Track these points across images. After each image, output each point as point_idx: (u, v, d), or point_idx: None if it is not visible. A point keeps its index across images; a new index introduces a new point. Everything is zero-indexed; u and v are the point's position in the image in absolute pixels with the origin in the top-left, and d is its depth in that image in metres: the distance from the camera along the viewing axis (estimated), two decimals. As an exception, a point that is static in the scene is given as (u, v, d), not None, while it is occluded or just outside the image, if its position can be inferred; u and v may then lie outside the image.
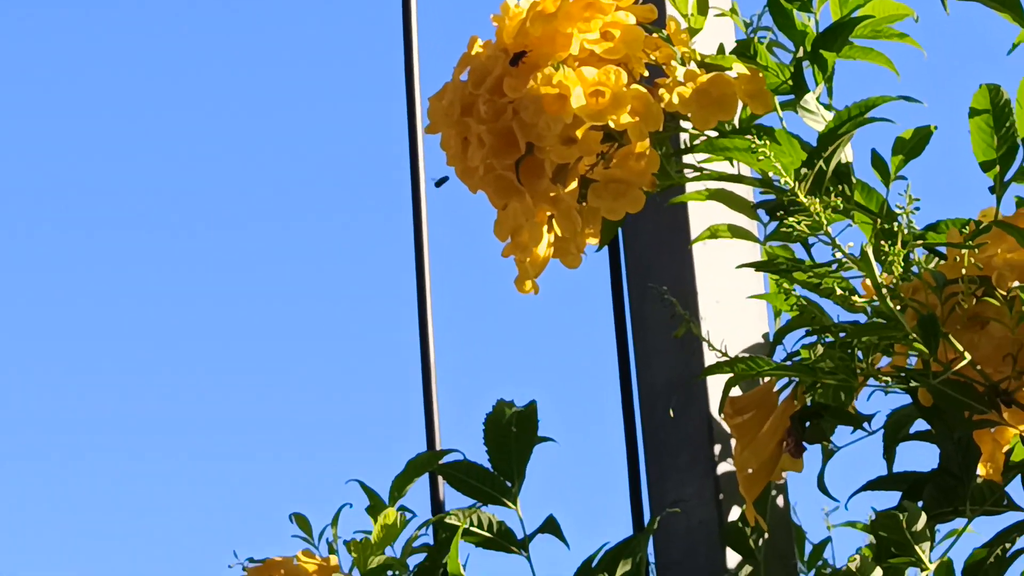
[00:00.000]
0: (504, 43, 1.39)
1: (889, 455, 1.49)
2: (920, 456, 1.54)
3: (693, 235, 1.56)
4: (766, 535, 1.54)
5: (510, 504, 1.56)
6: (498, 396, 1.59)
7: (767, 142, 1.39)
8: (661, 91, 1.39)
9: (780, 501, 1.60)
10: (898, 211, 1.41)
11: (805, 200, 1.33)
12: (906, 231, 1.39)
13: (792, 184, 1.36)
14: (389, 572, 1.55)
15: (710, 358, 1.56)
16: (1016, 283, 1.30)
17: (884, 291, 1.33)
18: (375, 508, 1.53)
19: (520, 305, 1.37)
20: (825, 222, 1.34)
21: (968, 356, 1.32)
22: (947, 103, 1.53)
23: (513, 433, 1.55)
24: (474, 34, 1.44)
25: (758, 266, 1.48)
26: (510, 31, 1.38)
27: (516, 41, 1.38)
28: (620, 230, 1.70)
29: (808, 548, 1.65)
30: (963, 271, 1.37)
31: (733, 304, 1.60)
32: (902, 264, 1.36)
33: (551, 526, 1.55)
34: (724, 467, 1.60)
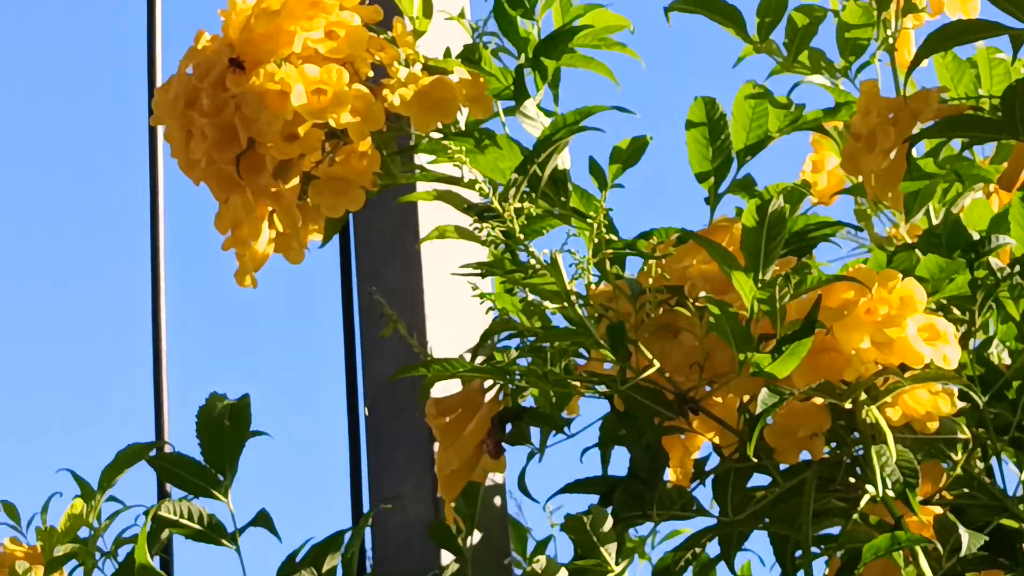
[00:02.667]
0: (230, 38, 1.41)
1: (604, 457, 1.50)
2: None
3: (422, 235, 1.58)
4: (476, 533, 1.56)
5: (221, 497, 1.54)
6: (232, 389, 1.60)
7: (464, 149, 1.40)
8: (384, 92, 1.41)
9: (498, 501, 1.62)
10: (590, 219, 1.43)
11: (499, 206, 1.35)
12: (595, 239, 1.40)
13: (488, 191, 1.37)
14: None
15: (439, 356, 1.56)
16: (703, 294, 1.34)
17: (573, 297, 1.35)
18: (86, 496, 1.52)
19: (253, 299, 1.37)
20: (516, 227, 1.35)
21: (657, 364, 1.35)
22: (674, 113, 1.58)
23: (226, 426, 1.54)
24: (201, 28, 1.46)
25: (474, 266, 1.47)
26: (236, 26, 1.41)
27: (241, 37, 1.41)
28: (352, 228, 1.72)
29: (532, 545, 1.67)
30: (650, 280, 1.39)
31: (461, 304, 1.60)
32: (592, 272, 1.38)
33: (263, 520, 1.55)
34: (446, 464, 1.64)
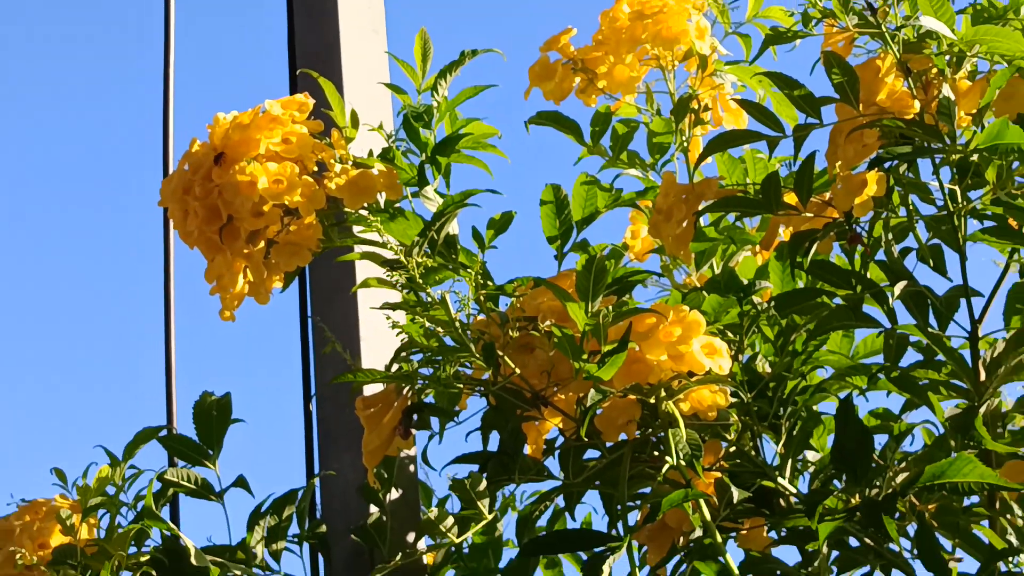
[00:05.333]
0: (214, 143, 1.40)
1: (483, 438, 1.47)
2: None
3: (357, 281, 1.54)
4: (394, 492, 1.56)
5: (210, 466, 1.54)
6: (220, 388, 1.58)
7: (381, 220, 1.41)
8: (325, 181, 1.42)
9: (411, 468, 1.60)
10: (471, 270, 1.43)
11: (405, 261, 1.36)
12: (475, 284, 1.41)
13: (398, 251, 1.38)
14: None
15: (367, 366, 1.56)
16: (550, 322, 1.33)
17: (458, 325, 1.36)
18: (114, 464, 1.49)
19: (237, 326, 1.35)
20: (418, 276, 1.36)
21: (519, 371, 1.35)
22: (533, 193, 1.60)
23: (213, 416, 1.54)
24: (194, 136, 1.44)
25: (390, 305, 1.44)
26: (218, 135, 1.40)
27: (222, 142, 1.39)
28: (307, 277, 1.71)
29: (435, 501, 1.64)
30: (513, 313, 1.39)
31: (382, 330, 1.53)
32: (472, 307, 1.38)
33: (241, 482, 1.54)
34: (371, 446, 1.65)
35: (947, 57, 1.35)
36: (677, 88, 1.57)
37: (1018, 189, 1.35)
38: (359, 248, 1.46)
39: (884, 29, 1.34)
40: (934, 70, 1.35)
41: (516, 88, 1.59)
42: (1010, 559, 1.38)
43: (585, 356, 1.29)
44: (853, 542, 1.38)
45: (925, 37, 1.34)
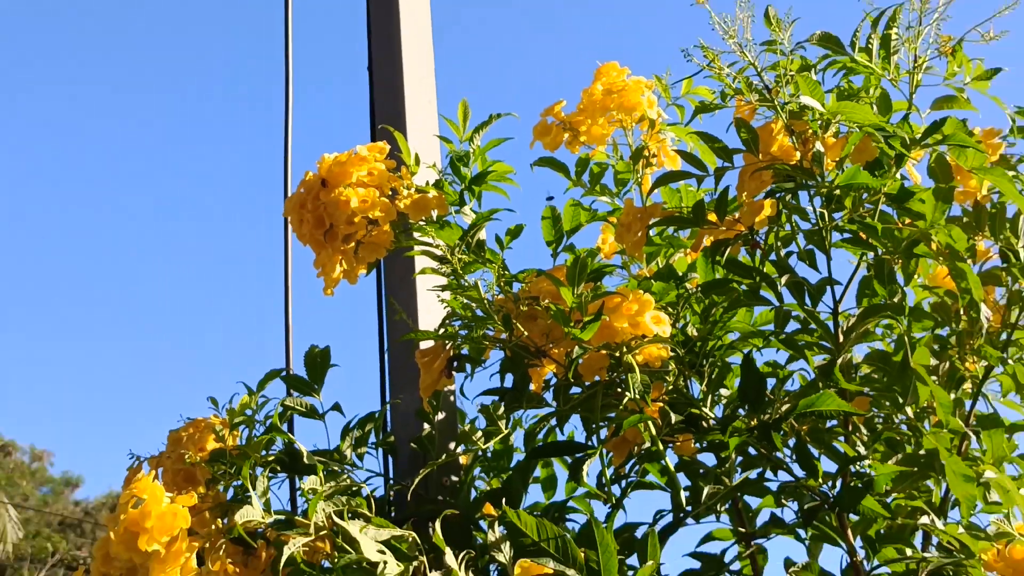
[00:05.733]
0: (321, 174, 1.41)
1: (501, 378, 1.46)
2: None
3: (416, 270, 1.55)
4: (440, 414, 1.57)
5: (316, 396, 1.53)
6: (323, 342, 1.56)
7: (434, 229, 1.42)
8: (396, 201, 1.42)
9: (452, 398, 1.60)
10: (494, 263, 1.43)
11: (449, 256, 1.37)
12: (497, 273, 1.41)
13: (445, 250, 1.39)
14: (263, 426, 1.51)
15: (423, 328, 1.55)
16: (548, 300, 1.34)
17: (485, 302, 1.36)
18: (251, 394, 1.49)
19: (336, 299, 1.34)
20: (459, 268, 1.37)
21: (527, 333, 1.36)
22: (536, 209, 1.58)
23: (318, 362, 1.53)
24: (308, 169, 1.44)
25: (439, 287, 1.45)
26: (324, 168, 1.40)
27: (326, 173, 1.40)
28: (383, 267, 1.70)
29: (468, 421, 1.62)
30: (524, 293, 1.40)
31: (433, 304, 1.56)
32: (495, 288, 1.39)
33: (336, 407, 1.53)
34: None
35: (819, 122, 1.35)
36: (634, 141, 1.56)
37: (865, 212, 1.35)
38: (418, 248, 1.46)
39: (776, 103, 1.34)
40: (810, 131, 1.35)
41: (527, 135, 1.59)
42: (858, 463, 1.38)
43: (572, 324, 1.30)
44: (752, 452, 1.39)
45: (804, 109, 1.34)
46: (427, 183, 1.49)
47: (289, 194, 1.51)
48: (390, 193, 1.43)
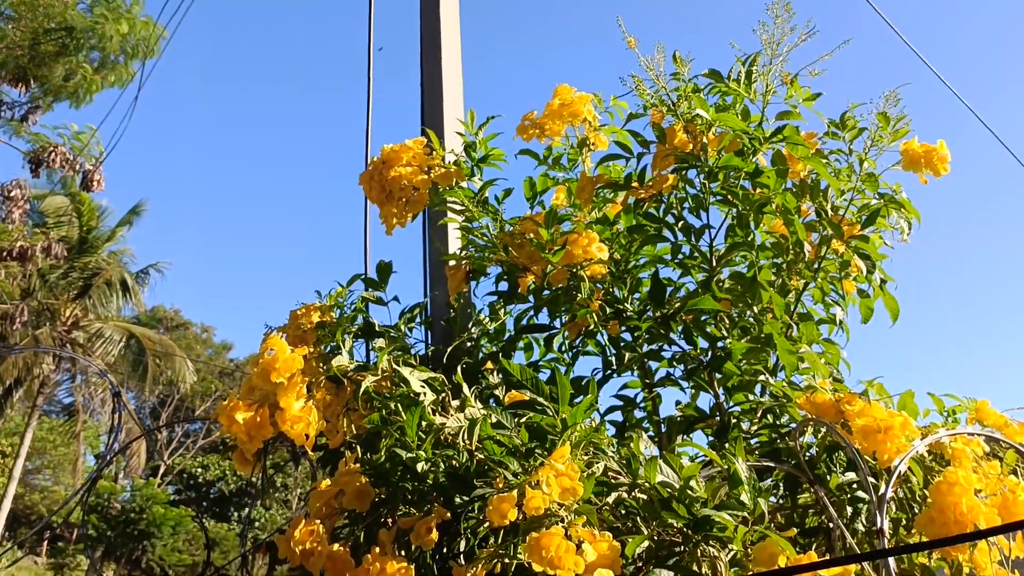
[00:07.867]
0: (383, 157, 1.42)
1: (496, 283, 1.44)
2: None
3: (446, 217, 1.52)
4: (461, 304, 1.53)
5: (383, 291, 1.42)
6: (387, 256, 1.47)
7: (457, 191, 1.38)
8: (431, 174, 1.41)
9: (469, 295, 1.50)
10: (492, 213, 1.39)
11: (471, 209, 1.34)
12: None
13: (464, 205, 1.36)
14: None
15: (451, 252, 1.52)
16: (532, 235, 1.31)
17: (491, 236, 1.34)
18: (340, 290, 1.41)
19: (394, 238, 1.30)
20: (472, 215, 1.35)
21: (517, 256, 1.32)
22: (520, 178, 1.49)
23: (385, 269, 1.42)
24: (375, 156, 1.42)
25: (461, 227, 1.43)
26: (384, 153, 1.42)
27: (385, 157, 1.41)
28: (426, 216, 1.64)
29: (478, 311, 1.54)
30: (515, 231, 1.35)
31: (458, 238, 1.52)
32: (495, 228, 1.34)
33: (395, 298, 1.43)
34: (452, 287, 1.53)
35: (705, 125, 1.33)
36: (581, 134, 1.52)
37: (732, 184, 1.34)
38: (446, 203, 1.44)
39: (677, 112, 1.34)
40: (699, 131, 1.34)
41: (514, 129, 1.49)
42: (722, 341, 1.35)
43: (546, 250, 1.32)
44: (655, 333, 1.37)
45: (696, 117, 1.33)
46: (451, 162, 1.49)
47: (366, 168, 1.49)
48: (427, 168, 1.44)
